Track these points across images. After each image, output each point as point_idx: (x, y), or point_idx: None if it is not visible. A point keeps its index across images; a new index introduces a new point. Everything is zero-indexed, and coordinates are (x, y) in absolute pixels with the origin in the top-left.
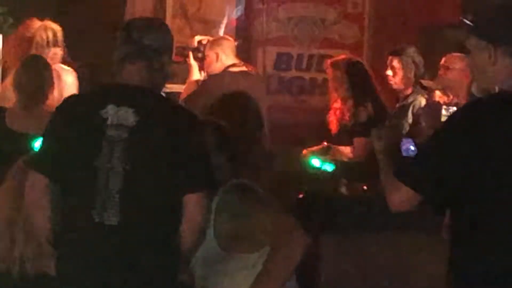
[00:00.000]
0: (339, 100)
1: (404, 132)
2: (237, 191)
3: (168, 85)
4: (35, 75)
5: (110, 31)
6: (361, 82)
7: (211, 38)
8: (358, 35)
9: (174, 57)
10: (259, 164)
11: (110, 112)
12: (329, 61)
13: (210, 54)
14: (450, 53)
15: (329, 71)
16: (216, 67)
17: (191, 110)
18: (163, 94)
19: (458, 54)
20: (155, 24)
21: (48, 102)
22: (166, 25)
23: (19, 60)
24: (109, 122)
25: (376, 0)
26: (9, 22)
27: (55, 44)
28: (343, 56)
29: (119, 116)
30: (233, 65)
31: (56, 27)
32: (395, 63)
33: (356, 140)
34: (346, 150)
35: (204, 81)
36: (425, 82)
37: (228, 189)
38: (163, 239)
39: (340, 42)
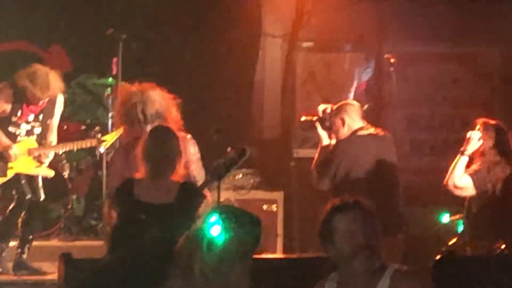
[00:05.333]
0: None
1: None
2: None
3: (299, 150)
4: (163, 145)
5: (239, 96)
6: (507, 149)
7: (334, 106)
8: (488, 94)
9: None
10: (395, 227)
11: None
12: (481, 120)
13: (336, 121)
14: None
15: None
16: (344, 132)
17: None
18: None
19: None
20: None
21: (175, 172)
22: None
23: (123, 124)
24: None
25: (507, 58)
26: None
27: (152, 118)
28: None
29: None
30: (361, 128)
31: (155, 99)
32: None
33: None
34: None
35: (334, 146)
36: None
37: None
38: None
39: (471, 101)
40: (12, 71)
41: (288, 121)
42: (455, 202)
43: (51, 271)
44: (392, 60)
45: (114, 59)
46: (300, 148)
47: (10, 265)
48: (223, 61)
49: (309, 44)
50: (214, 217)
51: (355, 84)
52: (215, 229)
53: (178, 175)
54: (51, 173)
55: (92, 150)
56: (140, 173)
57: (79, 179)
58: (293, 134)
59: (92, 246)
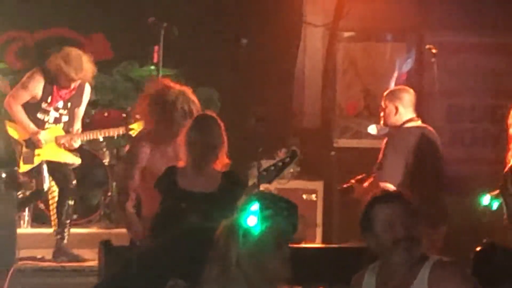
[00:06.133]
0: None
1: None
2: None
3: (339, 140)
4: (207, 134)
5: (280, 85)
6: None
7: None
8: None
9: None
10: (438, 219)
11: None
12: None
13: (389, 105)
14: None
15: None
16: (394, 119)
17: None
18: None
19: None
20: None
21: (218, 161)
22: None
23: (154, 121)
24: None
25: None
26: (182, 82)
27: (191, 116)
28: None
29: None
30: (411, 119)
31: (194, 99)
32: None
33: None
34: None
35: (387, 140)
36: None
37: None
38: None
39: None
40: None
41: (329, 110)
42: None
43: (91, 258)
44: (433, 51)
45: (156, 47)
46: (341, 137)
47: (46, 251)
48: (264, 50)
49: (350, 33)
50: (254, 207)
51: (396, 74)
52: (251, 219)
53: (221, 163)
54: (77, 161)
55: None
56: (182, 161)
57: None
58: (334, 124)
59: None
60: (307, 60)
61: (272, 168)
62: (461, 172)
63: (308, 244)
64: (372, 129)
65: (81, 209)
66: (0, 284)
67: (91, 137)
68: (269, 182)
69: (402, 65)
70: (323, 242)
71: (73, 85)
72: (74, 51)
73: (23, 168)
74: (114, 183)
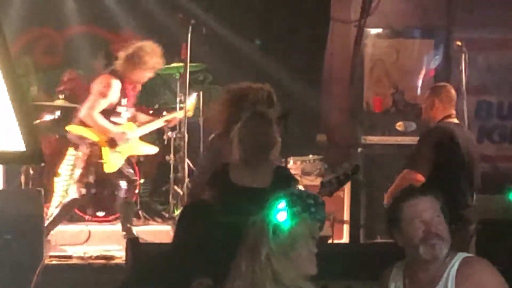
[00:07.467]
0: None
1: None
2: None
3: (367, 137)
4: (260, 132)
5: (307, 81)
6: None
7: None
8: None
9: None
10: (469, 218)
11: None
12: None
13: (427, 101)
14: None
15: None
16: (430, 114)
17: None
18: None
19: None
20: None
21: (271, 158)
22: None
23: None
24: None
25: None
26: (209, 79)
27: (270, 105)
28: None
29: None
30: (449, 116)
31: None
32: None
33: None
34: None
35: (421, 135)
36: None
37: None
38: None
39: None
40: (81, 55)
41: (356, 107)
42: None
43: (119, 255)
44: (462, 47)
45: (183, 44)
46: (368, 134)
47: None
48: (292, 46)
49: (378, 30)
50: (282, 204)
51: (423, 71)
52: (281, 214)
53: (273, 160)
54: (155, 149)
55: (160, 135)
56: (235, 158)
57: (147, 164)
58: (361, 120)
59: (158, 231)
60: (334, 56)
61: (334, 180)
62: (489, 169)
63: (335, 241)
64: (400, 125)
65: (109, 206)
66: (29, 281)
67: (159, 125)
68: (330, 194)
69: (430, 62)
70: (350, 238)
71: (146, 78)
72: (145, 44)
73: (112, 168)
74: (142, 181)
